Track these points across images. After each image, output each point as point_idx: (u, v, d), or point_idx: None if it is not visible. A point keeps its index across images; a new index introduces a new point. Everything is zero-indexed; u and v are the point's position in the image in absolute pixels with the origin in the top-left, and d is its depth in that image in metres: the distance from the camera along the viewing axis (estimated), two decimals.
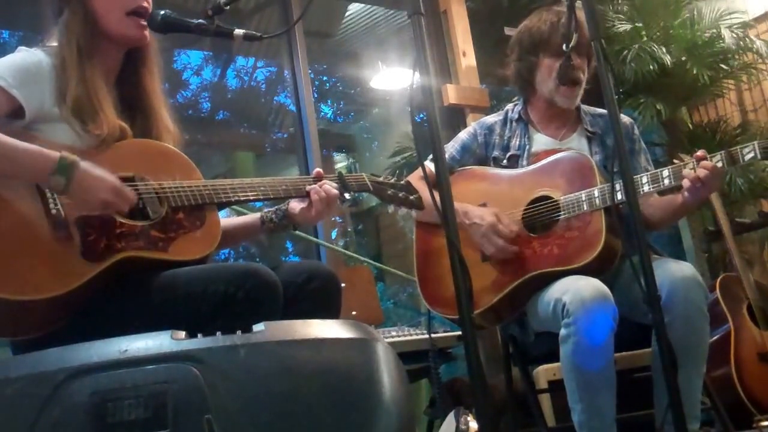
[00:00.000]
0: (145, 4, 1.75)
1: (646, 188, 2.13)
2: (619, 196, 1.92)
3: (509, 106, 2.52)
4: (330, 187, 1.80)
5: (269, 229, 1.89)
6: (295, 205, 1.85)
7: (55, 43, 1.72)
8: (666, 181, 2.12)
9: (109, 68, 1.76)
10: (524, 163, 2.36)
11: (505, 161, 2.40)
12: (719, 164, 2.05)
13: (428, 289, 2.34)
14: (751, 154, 2.04)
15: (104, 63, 1.74)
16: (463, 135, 2.49)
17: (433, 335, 2.76)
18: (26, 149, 1.52)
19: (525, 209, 2.26)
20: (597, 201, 2.13)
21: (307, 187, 1.80)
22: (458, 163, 2.43)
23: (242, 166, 6.42)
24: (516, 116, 2.45)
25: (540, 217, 2.24)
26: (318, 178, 1.82)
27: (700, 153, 2.08)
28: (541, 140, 2.41)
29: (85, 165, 1.53)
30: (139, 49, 1.81)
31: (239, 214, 2.79)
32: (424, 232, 2.39)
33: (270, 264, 1.70)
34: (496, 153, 2.42)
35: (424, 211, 2.04)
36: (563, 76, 2.27)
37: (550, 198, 2.23)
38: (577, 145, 2.38)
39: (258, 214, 1.91)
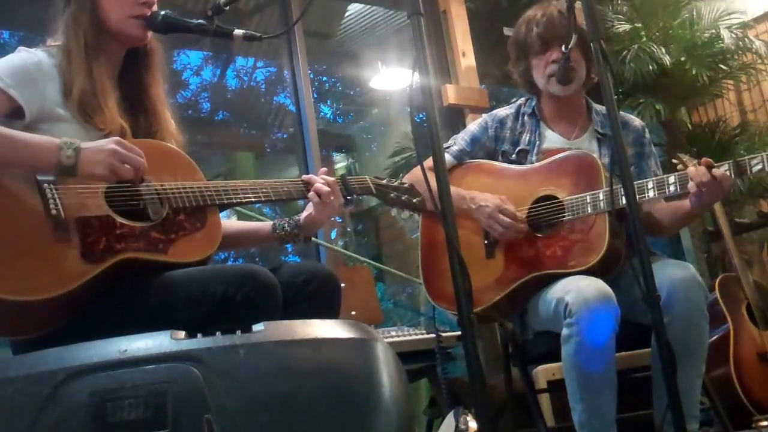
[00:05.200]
0: (149, 13, 1.75)
1: (651, 194, 2.13)
2: (623, 200, 1.91)
3: (522, 100, 2.52)
4: (321, 186, 1.80)
5: (280, 237, 1.88)
6: (305, 215, 1.86)
7: (56, 43, 1.72)
8: (672, 188, 2.11)
9: (111, 66, 1.77)
10: (533, 159, 2.36)
11: (513, 156, 2.40)
12: (727, 173, 2.05)
13: (432, 284, 2.35)
14: (759, 166, 2.02)
15: (108, 61, 1.75)
16: (473, 127, 2.49)
17: (434, 334, 2.76)
18: (28, 137, 1.54)
19: (530, 208, 2.26)
20: (601, 204, 2.13)
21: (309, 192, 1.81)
22: (468, 156, 2.43)
23: (242, 166, 6.42)
24: (529, 111, 2.45)
25: (544, 216, 2.24)
26: (309, 184, 1.82)
27: (705, 161, 2.07)
28: (551, 137, 2.40)
29: (84, 142, 1.57)
30: (143, 53, 1.82)
31: (239, 215, 2.79)
32: (430, 222, 2.39)
33: (270, 264, 1.70)
34: (505, 147, 2.42)
35: (429, 204, 2.04)
36: (562, 77, 2.27)
37: (555, 197, 2.23)
38: (587, 145, 2.37)
39: (270, 222, 1.91)
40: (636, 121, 2.46)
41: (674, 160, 2.47)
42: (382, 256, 6.63)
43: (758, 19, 4.60)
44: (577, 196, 2.19)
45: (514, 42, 2.43)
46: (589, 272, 2.08)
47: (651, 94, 4.07)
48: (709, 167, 2.05)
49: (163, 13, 1.75)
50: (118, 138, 1.59)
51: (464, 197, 2.27)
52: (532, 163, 2.36)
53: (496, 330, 2.89)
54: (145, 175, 1.65)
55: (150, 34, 1.79)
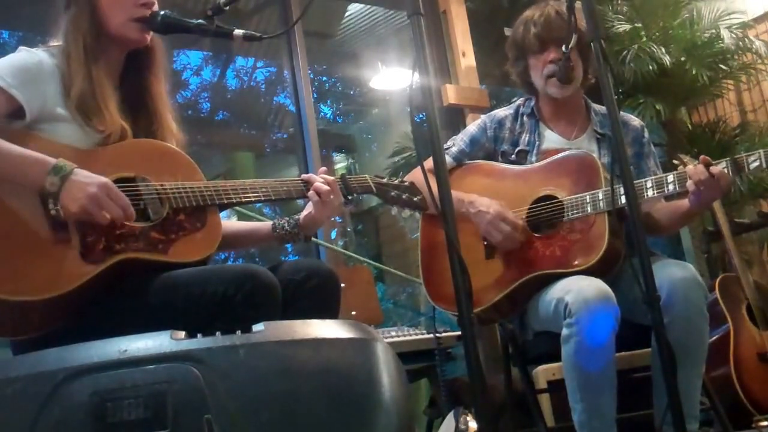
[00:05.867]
0: (149, 13, 1.75)
1: (650, 193, 2.13)
2: (622, 200, 1.91)
3: (520, 100, 2.52)
4: (321, 184, 1.80)
5: (280, 237, 1.88)
6: (304, 214, 1.86)
7: (57, 43, 1.72)
8: (671, 187, 2.12)
9: (112, 68, 1.77)
10: (533, 159, 2.36)
11: (513, 156, 2.40)
12: (725, 170, 2.05)
13: (432, 285, 2.35)
14: (757, 163, 2.03)
15: (108, 63, 1.75)
16: (472, 128, 2.49)
17: (434, 335, 2.76)
18: (24, 155, 1.52)
19: (529, 208, 2.26)
20: (601, 204, 2.14)
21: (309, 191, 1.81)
22: (467, 156, 2.44)
23: (242, 166, 6.42)
24: (528, 111, 2.45)
25: (544, 216, 2.24)
26: (309, 183, 1.82)
27: (703, 158, 2.08)
28: (551, 138, 2.40)
29: (80, 170, 1.53)
30: (146, 52, 1.82)
31: (240, 215, 2.79)
32: (430, 224, 2.39)
33: (270, 264, 1.70)
34: (504, 147, 2.42)
35: (429, 204, 2.04)
36: (563, 76, 2.27)
37: (555, 197, 2.23)
38: (587, 145, 2.37)
39: (270, 222, 1.91)
40: (635, 121, 2.46)
41: (675, 161, 2.48)
42: (382, 256, 6.63)
43: (758, 19, 4.60)
44: (576, 196, 2.19)
45: (513, 42, 2.43)
46: (589, 272, 2.08)
47: (651, 94, 4.07)
48: (707, 165, 2.06)
49: (162, 13, 1.75)
50: (107, 182, 1.54)
51: (463, 201, 2.27)
52: (531, 163, 2.36)
53: (496, 330, 2.89)
54: (146, 176, 1.65)
55: (150, 34, 1.78)
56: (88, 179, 1.52)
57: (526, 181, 2.30)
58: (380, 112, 6.96)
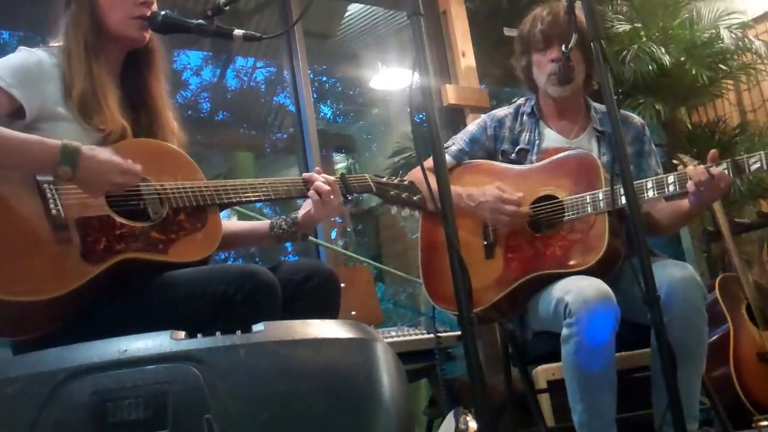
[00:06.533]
0: (149, 13, 1.75)
1: (651, 193, 2.13)
2: (622, 200, 1.91)
3: (521, 100, 2.52)
4: (322, 183, 1.80)
5: (277, 236, 1.88)
6: (302, 213, 1.86)
7: (57, 43, 1.72)
8: (671, 188, 2.12)
9: (112, 67, 1.77)
10: (533, 158, 2.36)
11: (513, 155, 2.40)
12: (725, 171, 2.06)
13: (432, 284, 2.35)
14: (758, 164, 2.03)
15: (108, 61, 1.75)
16: (472, 127, 2.49)
17: (434, 335, 2.77)
18: (28, 140, 1.53)
19: (529, 208, 2.26)
20: (601, 204, 2.14)
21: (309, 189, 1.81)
22: (468, 156, 2.44)
23: (242, 166, 6.43)
24: (528, 110, 2.45)
25: (544, 216, 2.24)
26: (309, 182, 1.82)
27: (710, 156, 2.08)
28: (551, 137, 2.40)
29: (86, 149, 1.55)
30: (145, 53, 1.82)
31: (239, 215, 2.79)
32: (430, 223, 2.39)
33: (269, 264, 1.70)
34: (505, 146, 2.42)
35: (429, 203, 2.04)
36: (563, 76, 2.27)
37: (555, 197, 2.23)
38: (587, 144, 2.37)
39: (268, 221, 1.91)
40: (635, 119, 2.46)
41: (675, 161, 2.48)
42: (382, 256, 6.62)
43: (758, 19, 4.59)
44: (577, 195, 2.19)
45: (519, 37, 2.44)
46: (589, 272, 2.08)
47: (651, 94, 4.07)
48: (708, 165, 2.06)
49: (163, 13, 1.75)
50: (119, 163, 1.58)
51: (461, 195, 2.28)
52: (532, 162, 2.36)
53: (496, 330, 2.89)
54: (146, 175, 1.65)
55: (149, 34, 1.79)
56: (101, 166, 1.55)
57: (526, 181, 2.30)
58: (380, 112, 6.95)
